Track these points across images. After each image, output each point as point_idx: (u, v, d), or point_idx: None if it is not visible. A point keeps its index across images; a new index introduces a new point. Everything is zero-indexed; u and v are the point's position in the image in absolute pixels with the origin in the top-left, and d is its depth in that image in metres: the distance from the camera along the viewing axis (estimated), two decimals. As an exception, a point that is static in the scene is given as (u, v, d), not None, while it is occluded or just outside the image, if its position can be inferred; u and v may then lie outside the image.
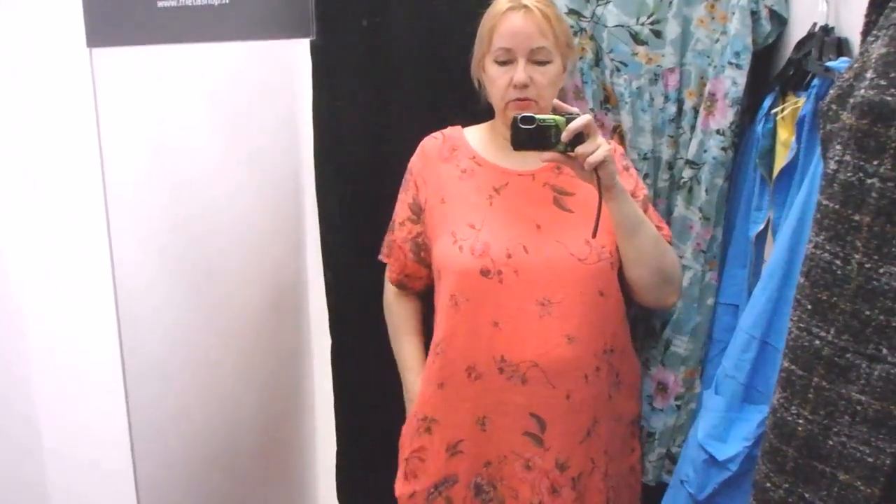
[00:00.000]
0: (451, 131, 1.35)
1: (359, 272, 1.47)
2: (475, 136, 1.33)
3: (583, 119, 1.09)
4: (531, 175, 1.27)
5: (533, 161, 1.23)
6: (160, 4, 0.99)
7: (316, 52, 1.50)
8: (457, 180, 1.29)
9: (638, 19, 1.37)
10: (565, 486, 1.24)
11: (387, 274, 1.40)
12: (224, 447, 1.34)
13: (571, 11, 1.39)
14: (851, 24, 1.10)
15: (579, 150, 1.10)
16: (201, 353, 1.27)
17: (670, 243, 1.29)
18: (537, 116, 1.11)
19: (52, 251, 1.06)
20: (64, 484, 1.07)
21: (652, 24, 1.37)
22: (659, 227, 1.27)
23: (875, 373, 0.82)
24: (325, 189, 1.57)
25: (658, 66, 1.38)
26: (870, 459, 0.82)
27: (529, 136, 1.11)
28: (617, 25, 1.38)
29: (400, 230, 1.34)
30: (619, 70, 1.40)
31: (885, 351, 0.81)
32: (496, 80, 1.22)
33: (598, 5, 1.38)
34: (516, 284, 1.20)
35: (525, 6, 1.19)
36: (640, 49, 1.38)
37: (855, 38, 1.07)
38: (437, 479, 1.29)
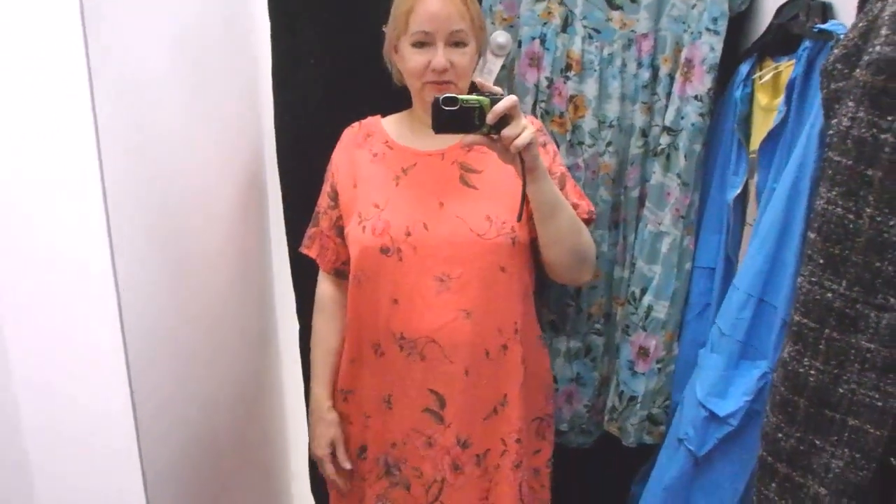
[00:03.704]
0: (369, 120, 1.34)
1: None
2: (392, 123, 1.33)
3: (509, 100, 1.05)
4: (440, 154, 1.25)
5: (445, 141, 1.21)
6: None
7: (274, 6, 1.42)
8: (368, 164, 1.28)
9: (615, -16, 1.37)
10: (468, 464, 1.23)
11: (321, 268, 1.37)
12: (200, 436, 1.27)
13: (543, -24, 1.37)
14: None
15: (505, 132, 1.05)
16: (177, 343, 1.19)
17: (589, 219, 1.27)
18: (460, 97, 1.05)
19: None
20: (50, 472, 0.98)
21: (628, -12, 1.37)
22: (576, 205, 1.24)
23: (883, 321, 0.85)
24: (285, 164, 1.50)
25: (632, 31, 1.38)
26: (879, 404, 0.86)
27: (452, 117, 1.05)
28: (594, -9, 1.37)
29: (324, 219, 1.33)
30: (591, 37, 1.39)
31: (892, 300, 0.84)
32: (413, 63, 1.18)
33: (575, -30, 1.36)
34: (415, 261, 1.19)
35: None
36: (615, 14, 1.38)
37: (839, 3, 1.10)
38: (357, 444, 1.32)
